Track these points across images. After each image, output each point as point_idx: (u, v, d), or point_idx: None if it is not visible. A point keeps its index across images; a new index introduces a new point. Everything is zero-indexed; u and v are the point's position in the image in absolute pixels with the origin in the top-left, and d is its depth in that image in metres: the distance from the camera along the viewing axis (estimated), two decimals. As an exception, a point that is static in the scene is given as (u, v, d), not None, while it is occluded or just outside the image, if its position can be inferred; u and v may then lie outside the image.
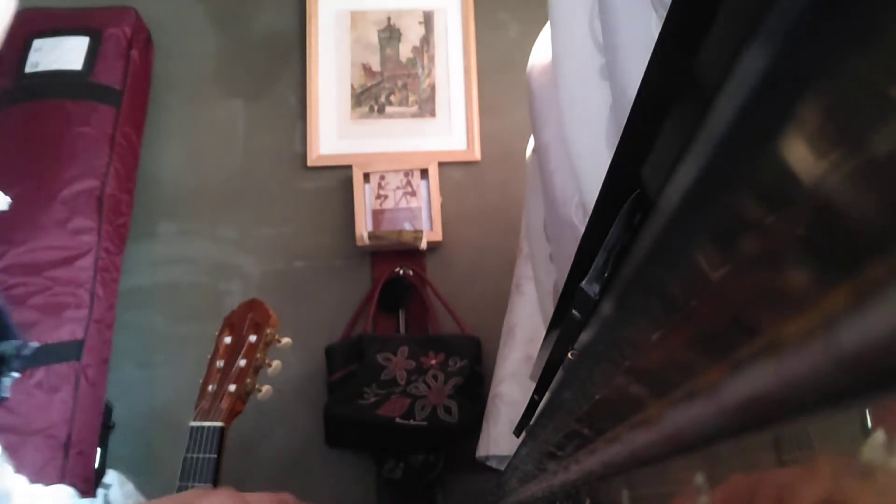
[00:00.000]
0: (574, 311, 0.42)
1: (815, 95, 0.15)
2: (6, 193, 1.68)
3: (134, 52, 1.92)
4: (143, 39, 1.98)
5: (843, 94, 0.15)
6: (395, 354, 1.77)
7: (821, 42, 0.15)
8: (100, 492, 0.87)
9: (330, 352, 1.83)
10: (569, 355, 0.45)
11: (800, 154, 0.17)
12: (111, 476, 0.79)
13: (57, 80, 1.83)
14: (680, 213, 0.26)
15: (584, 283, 0.39)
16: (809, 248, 0.18)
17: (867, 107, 0.14)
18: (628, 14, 0.61)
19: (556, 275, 1.12)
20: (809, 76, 0.15)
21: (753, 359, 0.20)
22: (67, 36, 1.88)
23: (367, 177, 1.95)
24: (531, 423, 0.76)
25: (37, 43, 1.87)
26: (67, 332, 1.61)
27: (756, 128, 0.19)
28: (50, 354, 1.59)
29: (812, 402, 0.17)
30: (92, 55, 1.85)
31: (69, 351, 1.61)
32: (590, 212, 0.49)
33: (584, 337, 0.41)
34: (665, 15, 0.26)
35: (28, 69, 1.84)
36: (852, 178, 0.15)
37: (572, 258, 0.43)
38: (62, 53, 1.85)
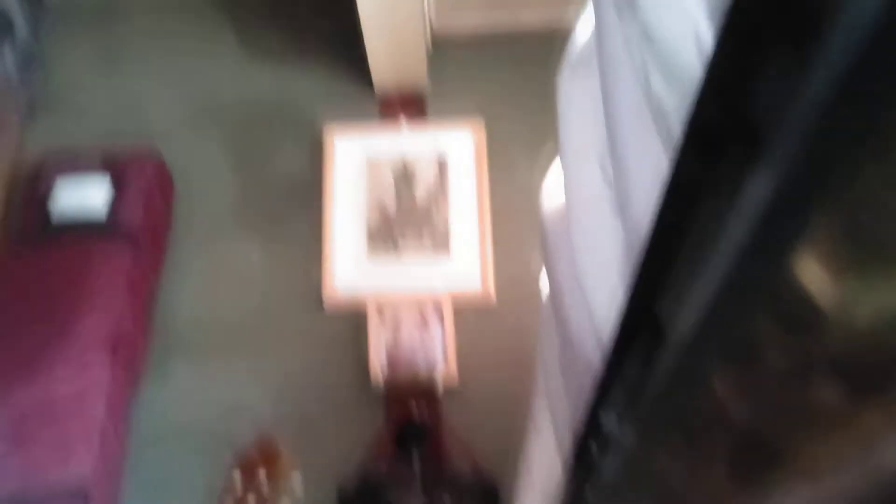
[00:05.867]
0: (593, 444, 0.42)
1: (826, 217, 0.16)
2: (23, 330, 1.69)
3: (155, 195, 1.97)
4: (164, 181, 2.05)
5: (856, 213, 0.15)
6: (408, 496, 1.73)
7: (826, 162, 0.15)
8: None
9: (342, 493, 1.78)
10: (589, 489, 0.45)
11: (814, 275, 0.17)
12: None
13: (78, 221, 1.88)
14: (692, 346, 0.26)
15: (602, 415, 0.38)
16: (836, 371, 0.18)
17: (883, 224, 0.15)
18: (638, 154, 0.63)
19: (571, 410, 1.11)
20: (818, 198, 0.16)
21: (780, 486, 0.20)
22: (90, 177, 1.94)
23: (382, 316, 1.96)
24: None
25: (60, 183, 1.93)
26: (75, 469, 1.59)
27: (767, 259, 0.20)
28: (57, 497, 1.57)
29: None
30: (114, 197, 1.91)
31: (77, 492, 1.58)
32: (605, 346, 0.49)
33: (605, 469, 0.41)
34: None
35: (50, 208, 1.90)
36: (873, 298, 0.15)
37: (588, 392, 0.43)
38: (85, 195, 1.91)
